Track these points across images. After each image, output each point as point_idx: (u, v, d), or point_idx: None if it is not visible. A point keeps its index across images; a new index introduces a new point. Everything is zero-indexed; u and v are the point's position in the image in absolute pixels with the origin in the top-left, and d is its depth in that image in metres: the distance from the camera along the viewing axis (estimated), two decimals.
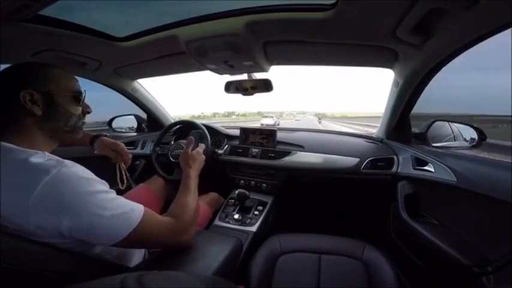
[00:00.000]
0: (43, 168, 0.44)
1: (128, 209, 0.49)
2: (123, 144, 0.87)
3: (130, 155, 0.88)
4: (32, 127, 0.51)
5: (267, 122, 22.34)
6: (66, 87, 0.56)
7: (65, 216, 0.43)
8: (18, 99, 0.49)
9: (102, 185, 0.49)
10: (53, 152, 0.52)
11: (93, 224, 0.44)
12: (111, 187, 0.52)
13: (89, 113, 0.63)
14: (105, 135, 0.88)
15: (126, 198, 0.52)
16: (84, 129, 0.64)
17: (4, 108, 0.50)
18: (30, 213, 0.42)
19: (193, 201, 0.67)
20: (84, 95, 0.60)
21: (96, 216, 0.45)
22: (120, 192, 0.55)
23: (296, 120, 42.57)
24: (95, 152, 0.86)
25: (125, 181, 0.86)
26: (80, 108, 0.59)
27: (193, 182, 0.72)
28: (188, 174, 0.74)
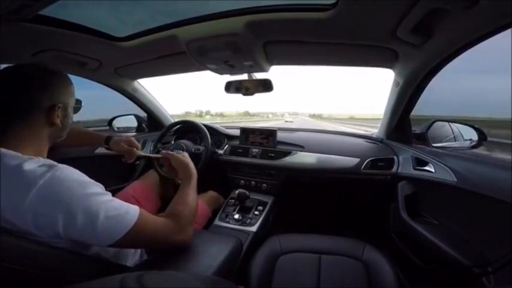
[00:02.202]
0: (37, 173, 0.44)
1: (122, 211, 0.49)
2: (132, 138, 0.91)
3: (139, 144, 0.92)
4: (45, 137, 0.52)
5: None
6: (73, 98, 0.57)
7: (60, 216, 0.43)
8: (45, 112, 0.49)
9: (96, 187, 0.49)
10: (51, 152, 0.53)
11: (87, 225, 0.44)
12: (110, 185, 0.52)
13: None
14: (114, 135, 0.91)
15: (122, 196, 0.51)
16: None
17: (22, 118, 0.49)
18: (27, 216, 0.42)
19: (194, 200, 0.68)
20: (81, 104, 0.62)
21: (91, 217, 0.45)
22: (116, 190, 0.55)
23: (286, 121, 32.85)
24: (97, 150, 0.87)
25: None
26: None
27: (195, 181, 0.74)
28: (190, 175, 0.74)
